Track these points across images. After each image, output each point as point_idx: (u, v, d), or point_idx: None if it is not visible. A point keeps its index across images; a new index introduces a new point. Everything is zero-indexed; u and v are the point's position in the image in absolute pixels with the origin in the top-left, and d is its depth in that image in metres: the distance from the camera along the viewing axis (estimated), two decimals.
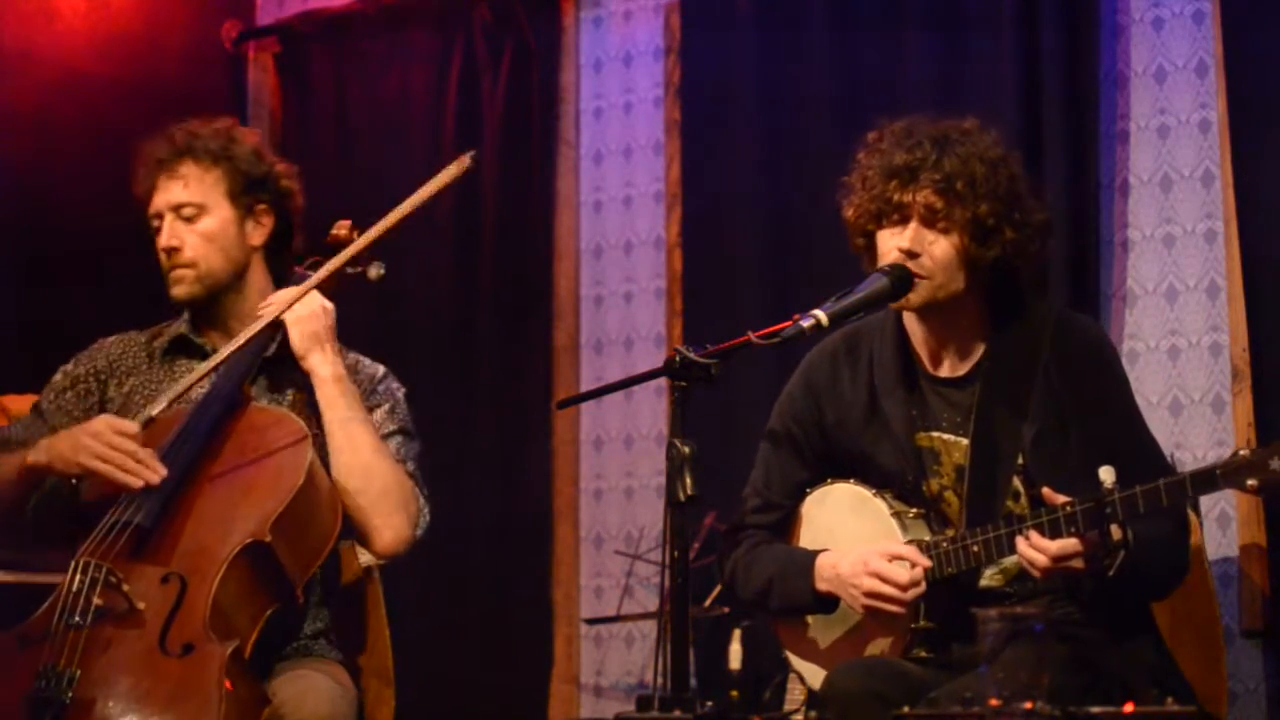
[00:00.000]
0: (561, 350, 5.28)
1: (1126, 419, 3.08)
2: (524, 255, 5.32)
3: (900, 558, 3.01)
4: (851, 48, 4.83)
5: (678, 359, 2.87)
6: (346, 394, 3.19)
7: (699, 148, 5.08)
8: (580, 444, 5.27)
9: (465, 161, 3.21)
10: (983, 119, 3.16)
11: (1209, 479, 2.79)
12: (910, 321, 3.15)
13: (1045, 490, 2.89)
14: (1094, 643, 2.97)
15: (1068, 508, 2.84)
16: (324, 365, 3.20)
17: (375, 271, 3.30)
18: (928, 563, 2.99)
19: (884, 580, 2.99)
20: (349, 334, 3.37)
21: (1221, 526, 4.16)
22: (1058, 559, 2.84)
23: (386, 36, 5.62)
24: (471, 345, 5.34)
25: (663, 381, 3.44)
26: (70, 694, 2.78)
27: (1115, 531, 2.81)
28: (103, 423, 3.04)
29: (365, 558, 3.24)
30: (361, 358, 3.38)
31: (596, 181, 5.33)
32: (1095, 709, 2.32)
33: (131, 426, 3.03)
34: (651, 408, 5.14)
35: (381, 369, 3.37)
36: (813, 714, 3.91)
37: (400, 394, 3.35)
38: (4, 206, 5.00)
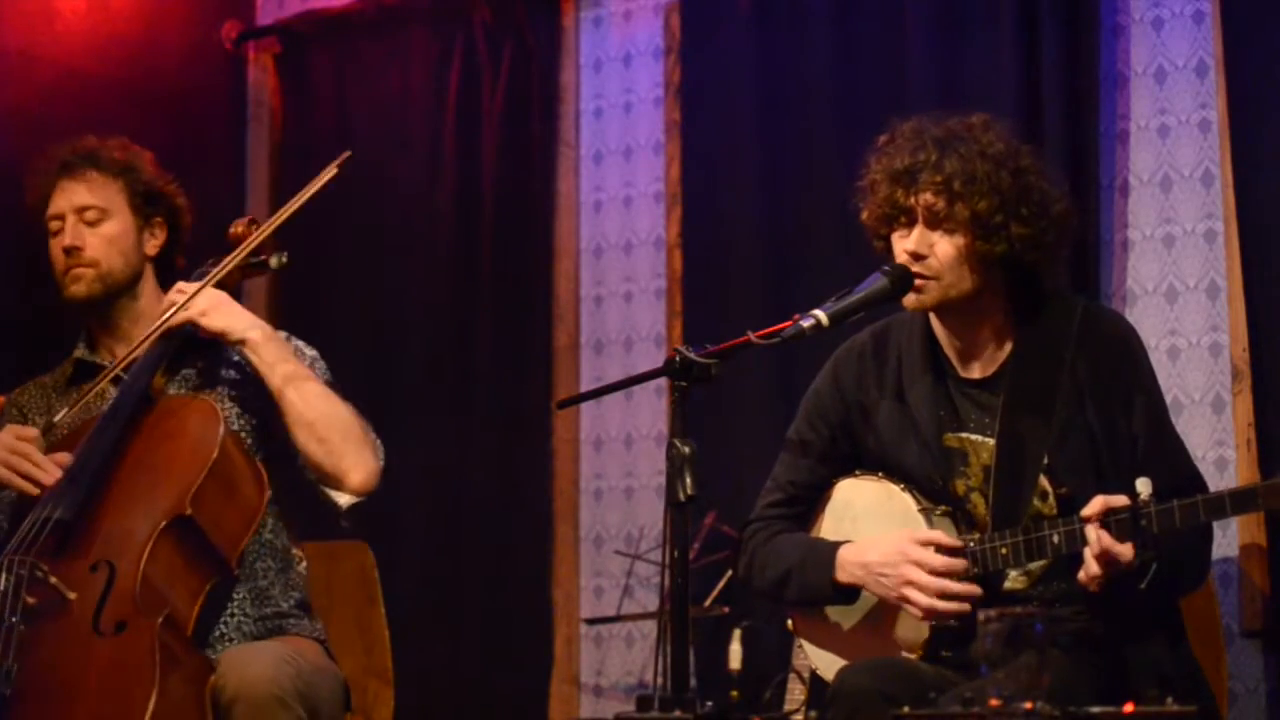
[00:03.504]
0: (561, 350, 5.28)
1: (1153, 421, 3.06)
2: (524, 255, 5.31)
3: (934, 543, 3.00)
4: (851, 47, 4.82)
5: (678, 359, 2.87)
6: (281, 350, 3.28)
7: (699, 148, 5.08)
8: (580, 444, 5.26)
9: (341, 160, 3.38)
10: None
11: (1249, 498, 2.77)
12: (936, 322, 3.16)
13: (1099, 500, 2.87)
14: (1114, 650, 2.97)
15: (1108, 515, 2.83)
16: (252, 329, 3.27)
17: (276, 261, 3.40)
18: (958, 543, 2.99)
19: (922, 567, 2.98)
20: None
21: (1221, 526, 4.16)
22: (1117, 560, 2.82)
23: (386, 36, 5.62)
24: (471, 345, 5.34)
25: (663, 381, 3.45)
26: (9, 689, 2.85)
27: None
28: (5, 433, 3.18)
29: (343, 499, 3.27)
30: None
31: (596, 181, 5.32)
32: (1095, 709, 2.32)
33: (31, 431, 3.18)
34: (651, 408, 5.14)
35: (282, 334, 3.43)
36: (813, 714, 3.92)
37: (310, 350, 3.43)
38: (4, 206, 4.99)
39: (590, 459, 5.25)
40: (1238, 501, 2.78)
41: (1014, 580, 3.08)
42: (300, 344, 3.43)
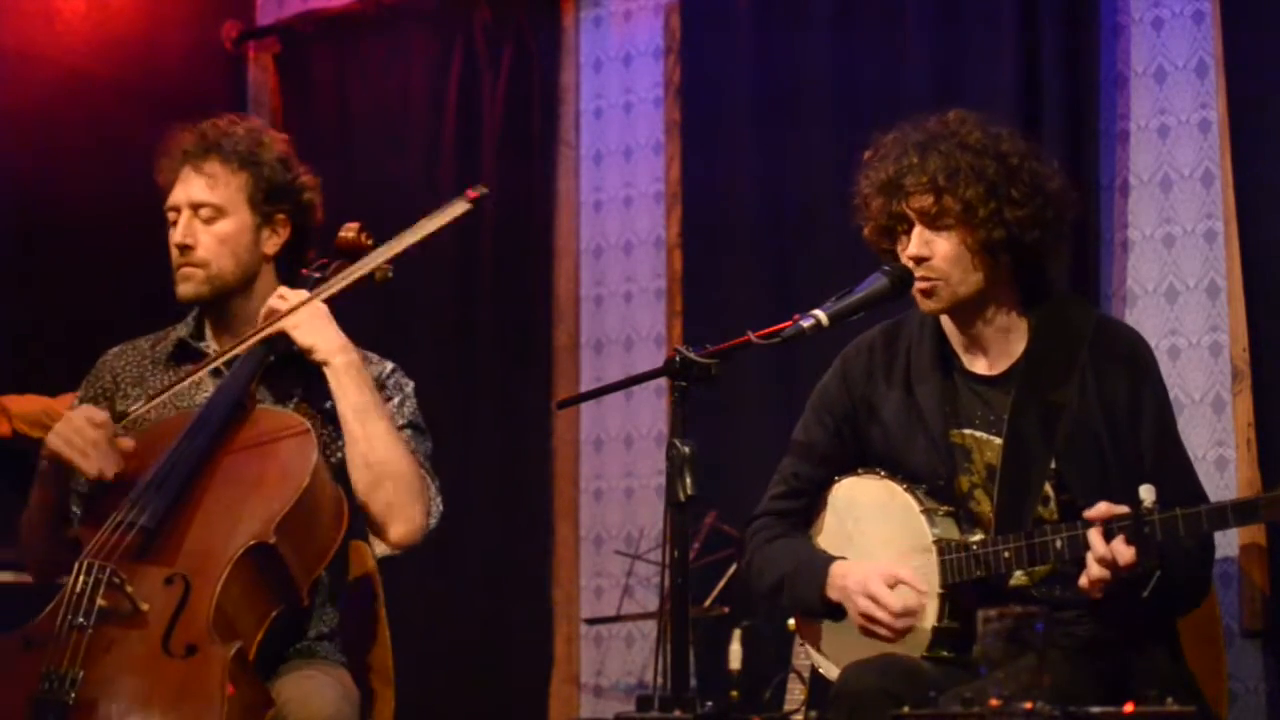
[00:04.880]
0: (561, 350, 5.28)
1: (1161, 434, 3.07)
2: (524, 255, 5.32)
3: (902, 583, 3.01)
4: (851, 47, 4.82)
5: (678, 359, 2.87)
6: (360, 382, 3.18)
7: (699, 148, 5.08)
8: (580, 444, 5.27)
9: (476, 195, 3.20)
10: None
11: (1251, 510, 2.77)
12: (946, 318, 3.17)
13: (1103, 505, 2.87)
14: (1114, 654, 2.98)
15: (1112, 521, 2.83)
16: (336, 354, 3.18)
17: (381, 274, 3.31)
18: (923, 593, 3.00)
19: (877, 604, 3.00)
20: (350, 334, 3.37)
21: None
22: (1124, 566, 2.82)
23: (386, 36, 5.62)
24: (471, 345, 5.34)
25: (663, 381, 3.45)
26: (74, 695, 2.78)
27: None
28: (78, 411, 3.07)
29: (380, 548, 3.22)
30: (370, 354, 3.37)
31: (596, 181, 5.33)
32: (1095, 709, 2.32)
33: (100, 415, 3.05)
34: (651, 408, 5.14)
35: (390, 365, 3.36)
36: (813, 714, 3.92)
37: (409, 388, 3.34)
38: (4, 207, 5.00)
39: (590, 459, 5.25)
40: (1240, 512, 2.78)
41: (1017, 578, 3.08)
42: (401, 379, 3.34)
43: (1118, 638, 3.00)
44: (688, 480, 2.78)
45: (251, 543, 2.95)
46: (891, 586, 3.01)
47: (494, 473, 5.24)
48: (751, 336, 2.95)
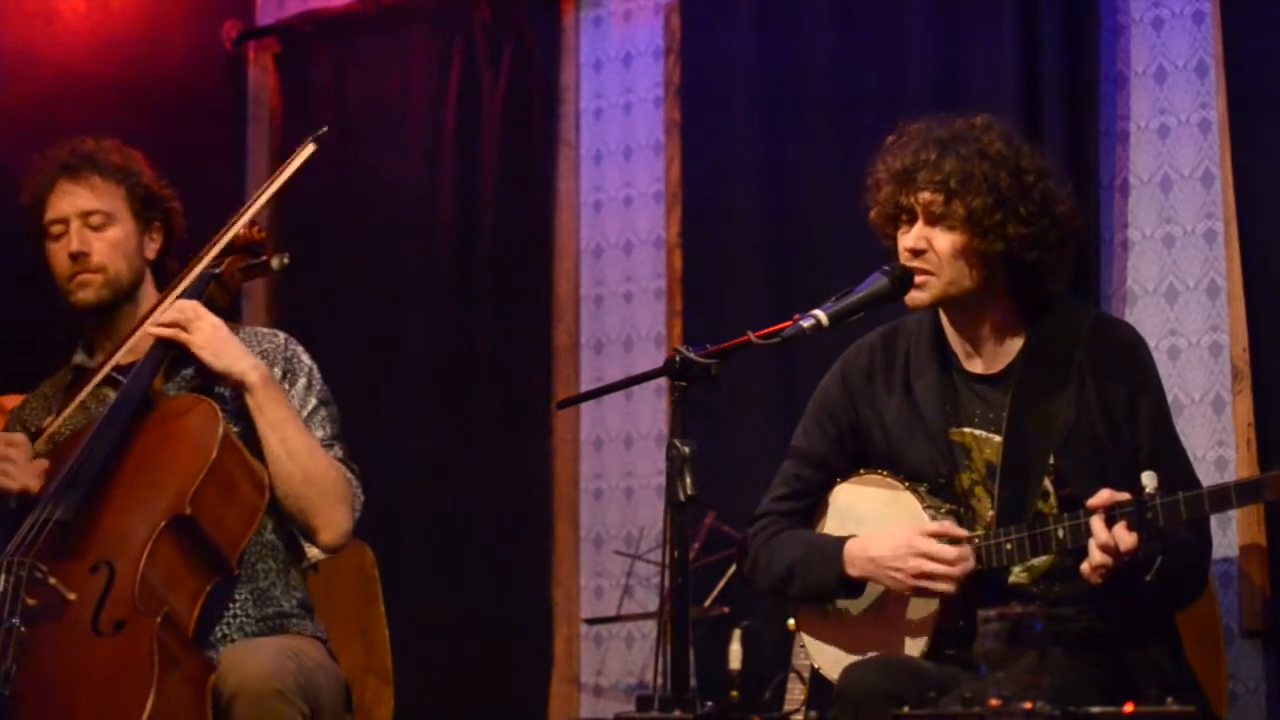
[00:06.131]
0: (561, 350, 5.28)
1: (1158, 427, 3.08)
2: (524, 255, 5.32)
3: (941, 534, 3.01)
4: (851, 48, 4.83)
5: (678, 359, 2.88)
6: (274, 396, 3.27)
7: (699, 148, 5.08)
8: (580, 444, 5.26)
9: (310, 146, 3.37)
10: None
11: (1255, 490, 2.78)
12: (944, 318, 3.18)
13: (1106, 492, 2.88)
14: (1116, 651, 2.98)
15: (1108, 508, 2.84)
16: (250, 371, 3.27)
17: (278, 262, 3.41)
18: (965, 533, 3.01)
19: (932, 558, 2.99)
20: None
21: (1221, 526, 4.16)
22: (1126, 552, 2.83)
23: (386, 36, 5.62)
24: (471, 345, 5.34)
25: (663, 381, 3.46)
26: (8, 689, 2.85)
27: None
28: None
29: (311, 552, 3.31)
30: (259, 328, 3.48)
31: (596, 181, 5.32)
32: (1095, 709, 2.32)
33: (18, 437, 3.22)
34: (651, 408, 5.13)
35: (282, 335, 3.46)
36: (813, 714, 3.92)
37: (307, 358, 3.43)
38: (4, 207, 4.99)
39: (590, 459, 5.25)
40: (1243, 493, 2.78)
41: (1016, 575, 3.09)
42: (298, 349, 3.43)
43: (1117, 633, 3.00)
44: (688, 480, 2.78)
45: (168, 518, 3.04)
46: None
47: (494, 473, 5.24)
48: (751, 336, 2.96)
